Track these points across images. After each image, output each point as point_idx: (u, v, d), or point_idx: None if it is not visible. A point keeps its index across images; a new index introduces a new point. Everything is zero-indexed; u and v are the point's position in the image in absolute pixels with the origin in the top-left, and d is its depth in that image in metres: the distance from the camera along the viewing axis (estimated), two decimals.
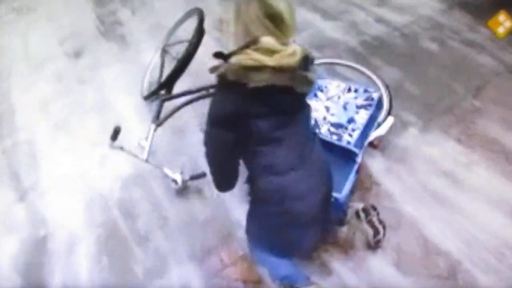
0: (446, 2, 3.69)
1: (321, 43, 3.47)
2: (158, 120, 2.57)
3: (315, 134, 1.74)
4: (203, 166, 2.64)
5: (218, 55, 1.43)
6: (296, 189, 1.59)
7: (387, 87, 2.77)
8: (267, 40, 1.35)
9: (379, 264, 2.14)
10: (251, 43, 1.36)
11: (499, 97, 2.85)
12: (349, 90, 2.47)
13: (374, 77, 2.84)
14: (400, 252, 2.17)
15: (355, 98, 2.42)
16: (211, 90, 2.70)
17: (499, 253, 2.12)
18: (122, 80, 3.48)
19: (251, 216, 1.84)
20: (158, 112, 2.61)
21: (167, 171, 2.50)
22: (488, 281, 2.04)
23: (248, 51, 1.34)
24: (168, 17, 3.75)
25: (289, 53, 1.35)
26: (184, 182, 2.50)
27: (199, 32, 2.59)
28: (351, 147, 2.16)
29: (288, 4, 1.41)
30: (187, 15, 3.03)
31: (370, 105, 2.36)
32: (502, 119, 2.71)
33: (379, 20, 3.60)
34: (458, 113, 2.78)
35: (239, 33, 1.44)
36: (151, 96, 2.86)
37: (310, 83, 1.45)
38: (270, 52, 1.34)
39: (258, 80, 1.34)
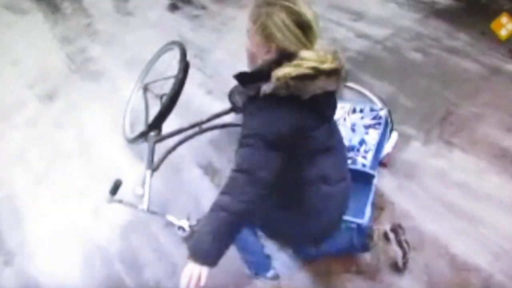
0: (421, 11, 3.72)
1: None
2: (153, 165, 2.40)
3: None
4: (207, 204, 2.49)
5: (241, 76, 1.42)
6: (337, 200, 1.63)
7: (384, 102, 2.72)
8: (308, 54, 1.33)
9: None
10: (289, 57, 1.33)
11: (492, 101, 2.84)
12: (354, 111, 2.40)
13: (369, 94, 2.78)
14: (429, 272, 2.07)
15: (362, 118, 2.35)
16: (204, 126, 2.58)
17: None
18: (102, 120, 3.30)
19: (269, 216, 1.71)
20: (151, 155, 2.44)
21: (171, 218, 2.29)
22: None
23: (299, 62, 1.31)
24: (142, 49, 3.63)
25: (332, 58, 1.36)
26: (192, 228, 2.31)
27: (184, 68, 2.48)
28: (369, 170, 2.08)
29: (313, 11, 1.38)
30: (165, 49, 2.89)
31: (379, 123, 2.30)
32: (500, 122, 2.69)
33: (360, 35, 3.59)
34: (456, 121, 2.75)
35: (260, 42, 1.38)
36: (138, 138, 2.68)
37: (346, 80, 1.47)
38: (318, 62, 1.33)
39: (313, 89, 1.31)
